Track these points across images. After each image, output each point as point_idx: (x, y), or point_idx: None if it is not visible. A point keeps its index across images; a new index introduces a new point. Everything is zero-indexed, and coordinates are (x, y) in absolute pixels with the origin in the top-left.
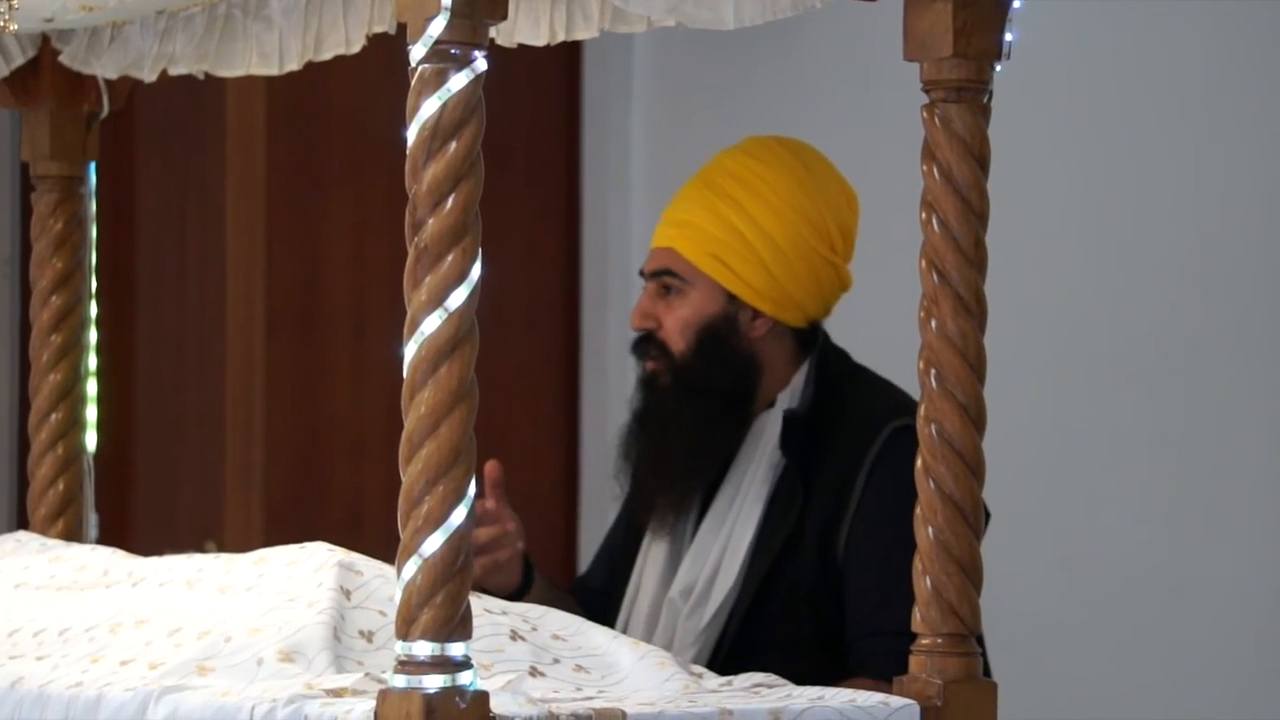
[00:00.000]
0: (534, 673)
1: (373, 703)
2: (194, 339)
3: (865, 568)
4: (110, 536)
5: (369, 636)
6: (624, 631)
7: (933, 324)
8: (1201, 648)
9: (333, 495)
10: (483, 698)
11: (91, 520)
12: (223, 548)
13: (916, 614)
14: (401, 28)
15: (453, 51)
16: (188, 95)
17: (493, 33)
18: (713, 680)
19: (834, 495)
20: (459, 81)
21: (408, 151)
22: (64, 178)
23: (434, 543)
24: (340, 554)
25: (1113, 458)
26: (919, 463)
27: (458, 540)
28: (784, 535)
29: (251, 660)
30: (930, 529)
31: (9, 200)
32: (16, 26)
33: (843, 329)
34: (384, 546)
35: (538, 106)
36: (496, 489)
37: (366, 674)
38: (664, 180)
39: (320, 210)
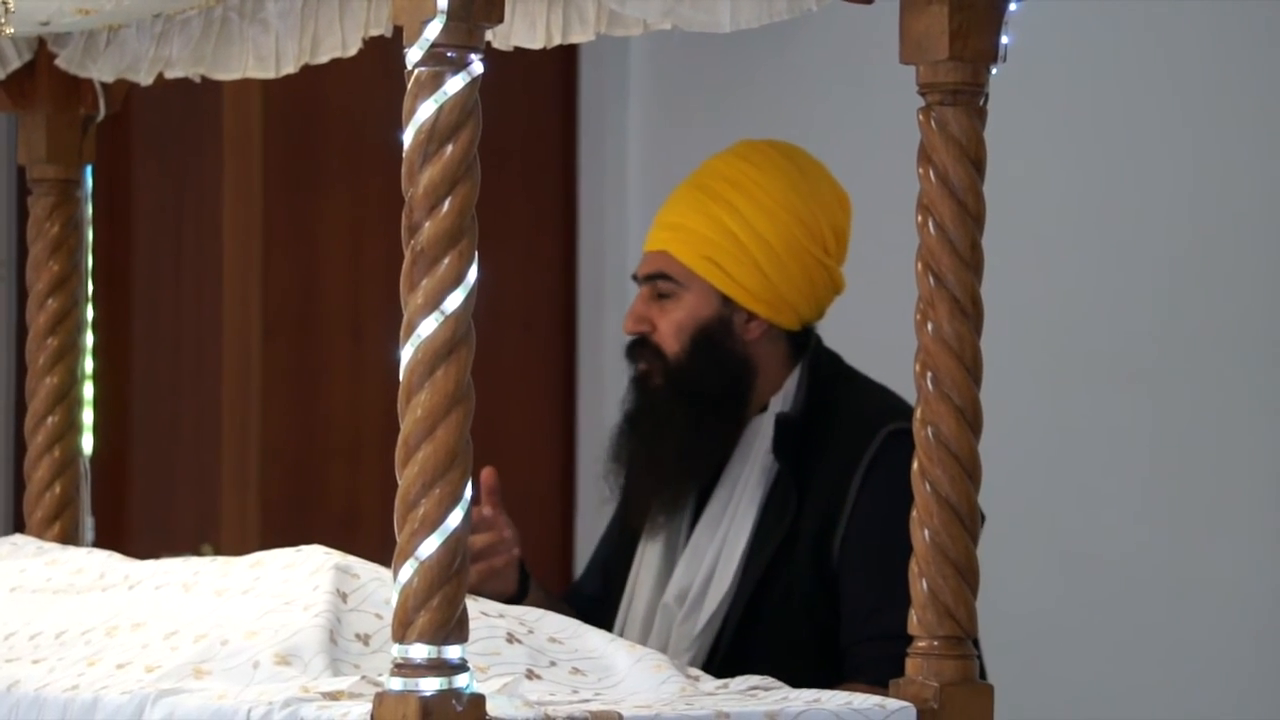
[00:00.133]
0: (531, 675)
1: (369, 706)
2: (191, 342)
3: (860, 572)
4: (107, 539)
5: (365, 639)
6: (620, 635)
7: (929, 327)
8: (1201, 648)
9: (329, 498)
10: (479, 700)
11: (88, 523)
12: (219, 551)
13: (913, 616)
14: (398, 31)
15: (449, 54)
16: (184, 98)
17: (489, 36)
18: (709, 683)
19: (828, 499)
20: (455, 84)
21: (404, 154)
22: (60, 181)
23: (430, 546)
24: (337, 557)
25: (1111, 458)
26: (915, 465)
27: (454, 543)
28: (778, 539)
29: (248, 663)
30: (926, 531)
31: (5, 204)
32: (13, 30)
33: (838, 332)
34: (380, 549)
35: (534, 109)
36: (492, 496)
37: (363, 677)
38: (660, 183)
39: (317, 213)
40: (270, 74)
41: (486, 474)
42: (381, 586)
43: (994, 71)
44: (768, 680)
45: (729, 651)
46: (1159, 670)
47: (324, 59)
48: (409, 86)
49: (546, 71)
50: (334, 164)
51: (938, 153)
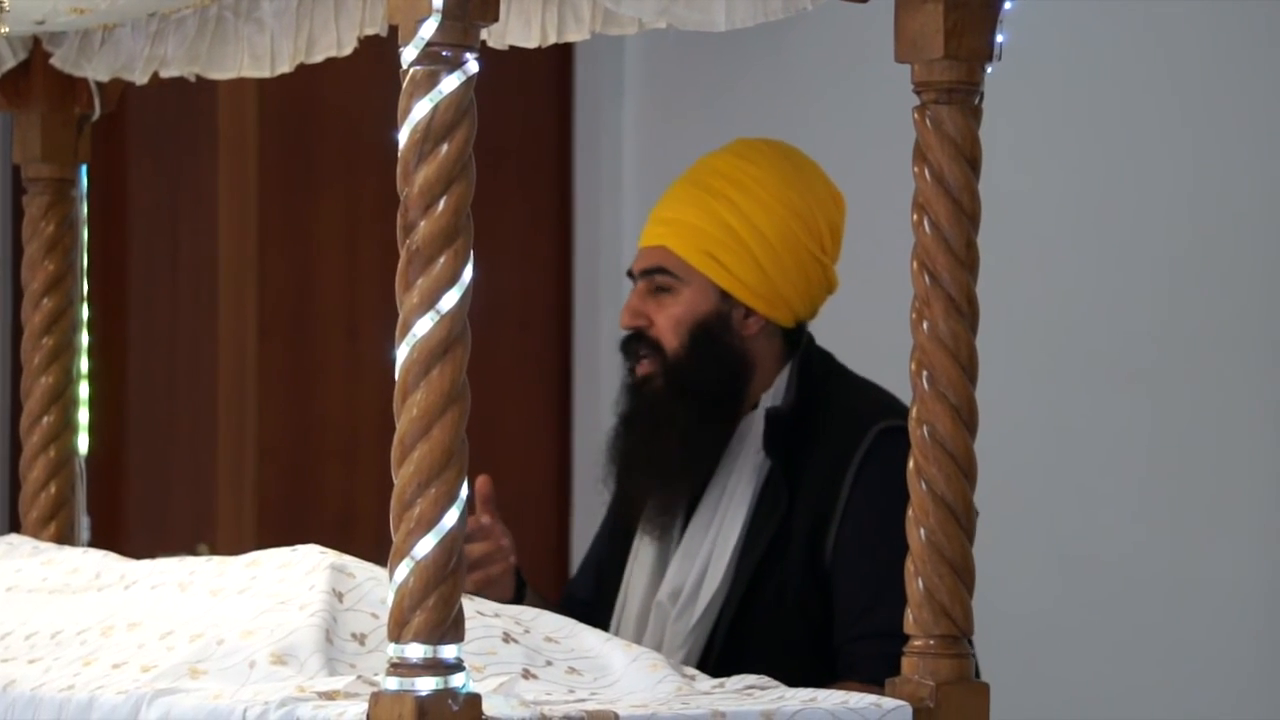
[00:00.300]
0: (527, 675)
1: (365, 705)
2: (186, 341)
3: (853, 570)
4: (102, 539)
5: (361, 639)
6: (615, 635)
7: (924, 325)
8: (1199, 649)
9: (325, 498)
10: (475, 700)
11: (84, 523)
12: (215, 550)
13: (909, 615)
14: (393, 30)
15: (444, 54)
16: (179, 97)
17: (484, 34)
18: (705, 682)
19: (820, 496)
20: (450, 84)
21: (399, 154)
22: (55, 180)
23: (426, 545)
24: (332, 556)
25: (1110, 458)
26: (911, 464)
27: (450, 543)
28: (770, 536)
29: (244, 663)
30: (922, 531)
31: (0, 203)
32: (8, 29)
33: (834, 331)
34: (376, 549)
35: (529, 108)
36: (487, 504)
37: (359, 677)
38: (656, 181)
39: (312, 212)
40: (265, 73)
41: (481, 482)
42: (377, 586)
43: (989, 70)
44: (764, 679)
45: (723, 649)
46: (1157, 670)
47: (319, 58)
48: (404, 85)
49: (542, 71)
50: (329, 163)
51: (933, 151)
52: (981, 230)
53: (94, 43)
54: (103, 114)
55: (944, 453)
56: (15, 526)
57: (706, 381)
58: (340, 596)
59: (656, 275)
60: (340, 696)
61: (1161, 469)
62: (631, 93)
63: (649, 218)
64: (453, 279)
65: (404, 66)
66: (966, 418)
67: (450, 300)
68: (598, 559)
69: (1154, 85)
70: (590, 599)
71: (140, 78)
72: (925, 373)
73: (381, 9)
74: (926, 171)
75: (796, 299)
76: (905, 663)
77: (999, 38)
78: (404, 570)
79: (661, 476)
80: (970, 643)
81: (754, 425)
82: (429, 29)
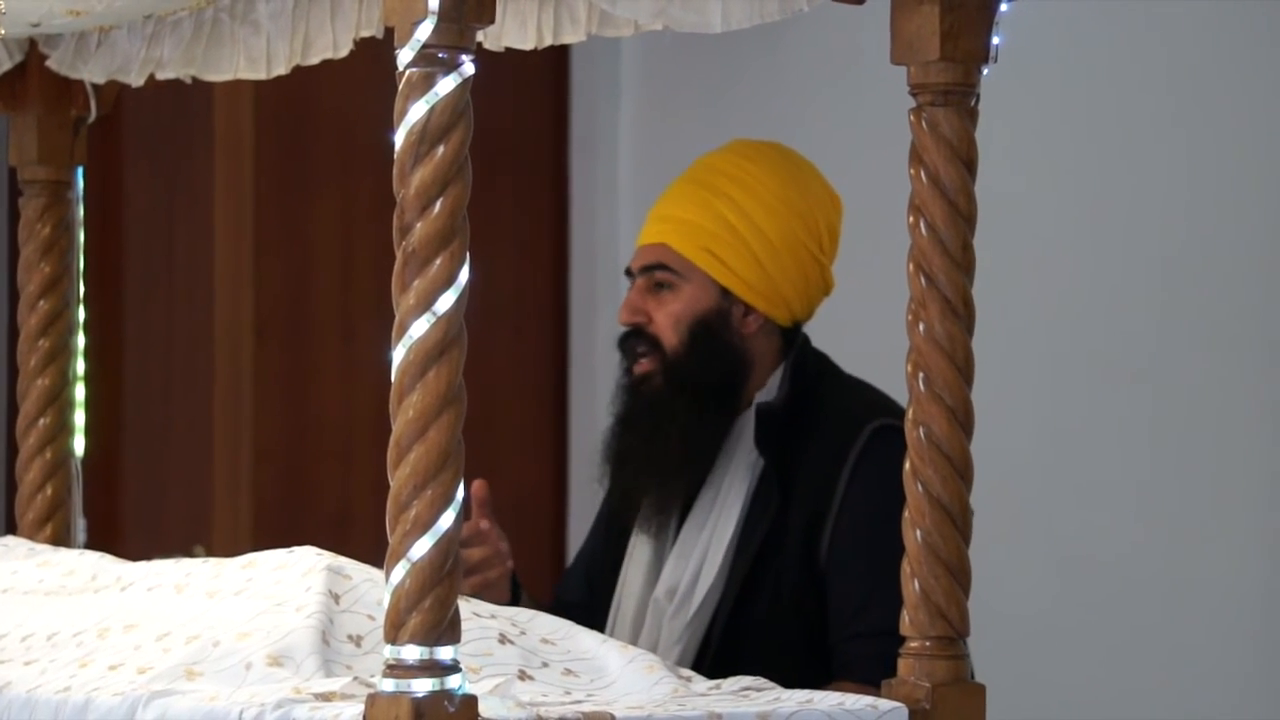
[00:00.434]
0: (523, 676)
1: (361, 707)
2: (182, 343)
3: (848, 568)
4: (98, 541)
5: (357, 640)
6: (611, 634)
7: (920, 327)
8: (1197, 649)
9: (321, 499)
10: (471, 701)
11: (79, 525)
12: (211, 552)
13: (905, 617)
14: (389, 32)
15: (440, 55)
16: (175, 100)
17: (480, 36)
18: (701, 684)
19: (816, 494)
20: (446, 85)
21: (395, 155)
22: (51, 182)
23: (422, 547)
24: (328, 558)
25: (1108, 459)
26: (907, 466)
27: (446, 544)
28: (763, 533)
29: (240, 664)
30: (918, 532)
31: None
32: (3, 31)
33: (830, 332)
34: (372, 550)
35: (525, 110)
36: (484, 508)
37: (355, 678)
38: (652, 183)
39: (308, 214)
40: (261, 75)
41: (478, 486)
42: (373, 587)
43: (985, 72)
44: (760, 681)
45: (719, 646)
46: (1155, 671)
47: (315, 60)
48: (400, 87)
49: (538, 72)
50: (325, 165)
51: (929, 153)
52: (977, 232)
53: (90, 45)
54: (99, 116)
55: (940, 454)
56: (11, 528)
57: (705, 378)
58: (336, 598)
59: (656, 272)
60: (337, 698)
61: (1158, 470)
62: (628, 94)
63: (648, 216)
64: (449, 281)
65: (400, 68)
66: (962, 419)
67: (446, 302)
68: (588, 560)
69: (1150, 86)
70: (579, 601)
71: (136, 80)
72: (921, 374)
73: (377, 11)
74: (922, 173)
75: (795, 298)
76: (901, 664)
77: (995, 40)
78: (400, 572)
79: (660, 474)
80: (965, 644)
81: (749, 424)
82: (425, 31)
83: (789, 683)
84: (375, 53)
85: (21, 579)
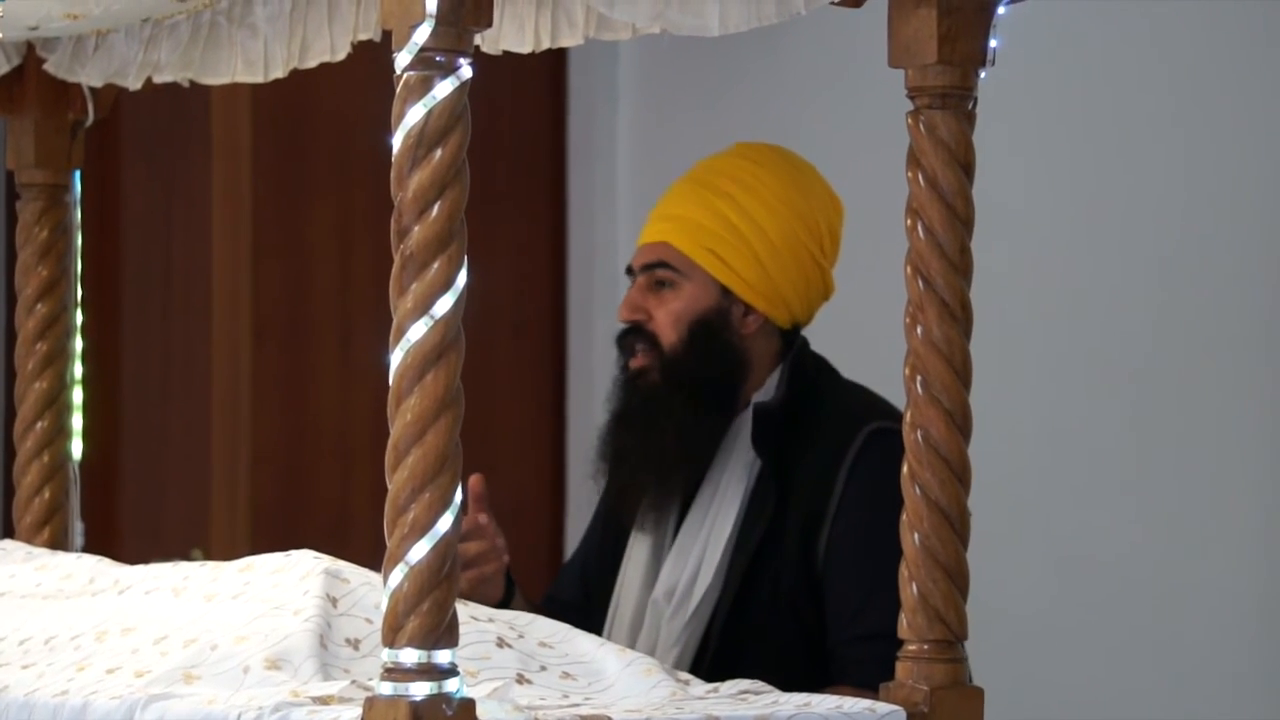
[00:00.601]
0: (521, 680)
1: (359, 710)
2: (180, 346)
3: (846, 571)
4: (96, 544)
5: (355, 644)
6: (609, 635)
7: (918, 330)
8: (1195, 651)
9: (319, 503)
10: (469, 705)
11: (77, 528)
12: (209, 555)
13: (903, 620)
14: (386, 35)
15: (438, 59)
16: (173, 103)
17: (478, 39)
18: (699, 687)
19: (813, 495)
20: (444, 89)
21: (393, 159)
22: (49, 186)
23: (420, 550)
24: (327, 561)
25: (1104, 461)
26: (905, 469)
27: (444, 547)
28: (761, 534)
29: (238, 668)
30: (916, 535)
31: None
32: (1, 35)
33: (828, 335)
34: (371, 554)
35: (523, 113)
36: (480, 503)
37: (353, 682)
38: (650, 185)
39: (306, 217)
40: (259, 78)
41: (475, 481)
42: (371, 591)
43: (983, 75)
44: (758, 684)
45: (718, 647)
46: (1152, 672)
47: (313, 63)
48: (398, 91)
49: (535, 75)
50: (323, 168)
51: (926, 156)
52: (975, 235)
53: (87, 48)
54: (96, 120)
55: (938, 457)
56: (9, 532)
57: (703, 376)
58: (334, 601)
59: (657, 270)
60: (334, 701)
61: (1156, 471)
62: (625, 97)
63: (649, 216)
64: (446, 284)
65: (398, 72)
66: (960, 422)
67: (444, 305)
68: (583, 561)
69: (1147, 88)
70: (573, 600)
71: (134, 83)
72: (919, 377)
73: (375, 14)
74: (920, 176)
75: (795, 299)
76: (900, 667)
77: (993, 42)
78: (398, 575)
79: (657, 472)
80: (963, 647)
81: (746, 425)
82: (422, 34)
83: (788, 684)
84: (373, 56)
85: (19, 582)
